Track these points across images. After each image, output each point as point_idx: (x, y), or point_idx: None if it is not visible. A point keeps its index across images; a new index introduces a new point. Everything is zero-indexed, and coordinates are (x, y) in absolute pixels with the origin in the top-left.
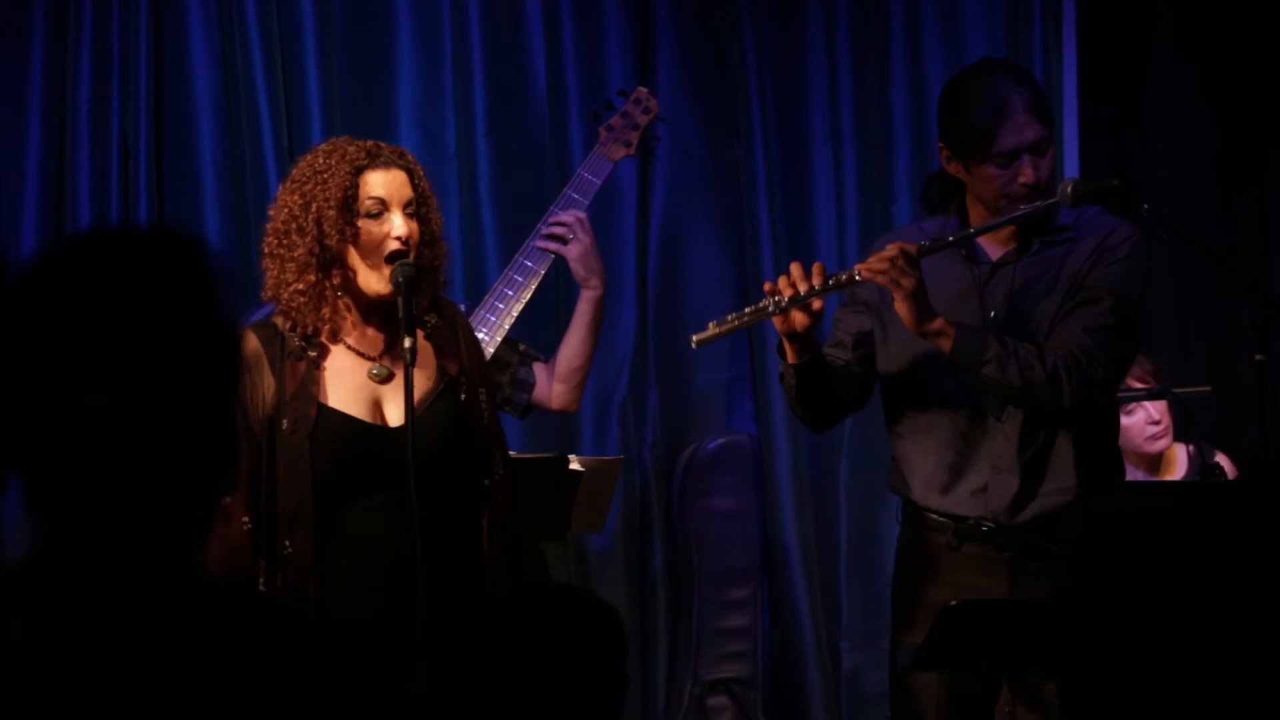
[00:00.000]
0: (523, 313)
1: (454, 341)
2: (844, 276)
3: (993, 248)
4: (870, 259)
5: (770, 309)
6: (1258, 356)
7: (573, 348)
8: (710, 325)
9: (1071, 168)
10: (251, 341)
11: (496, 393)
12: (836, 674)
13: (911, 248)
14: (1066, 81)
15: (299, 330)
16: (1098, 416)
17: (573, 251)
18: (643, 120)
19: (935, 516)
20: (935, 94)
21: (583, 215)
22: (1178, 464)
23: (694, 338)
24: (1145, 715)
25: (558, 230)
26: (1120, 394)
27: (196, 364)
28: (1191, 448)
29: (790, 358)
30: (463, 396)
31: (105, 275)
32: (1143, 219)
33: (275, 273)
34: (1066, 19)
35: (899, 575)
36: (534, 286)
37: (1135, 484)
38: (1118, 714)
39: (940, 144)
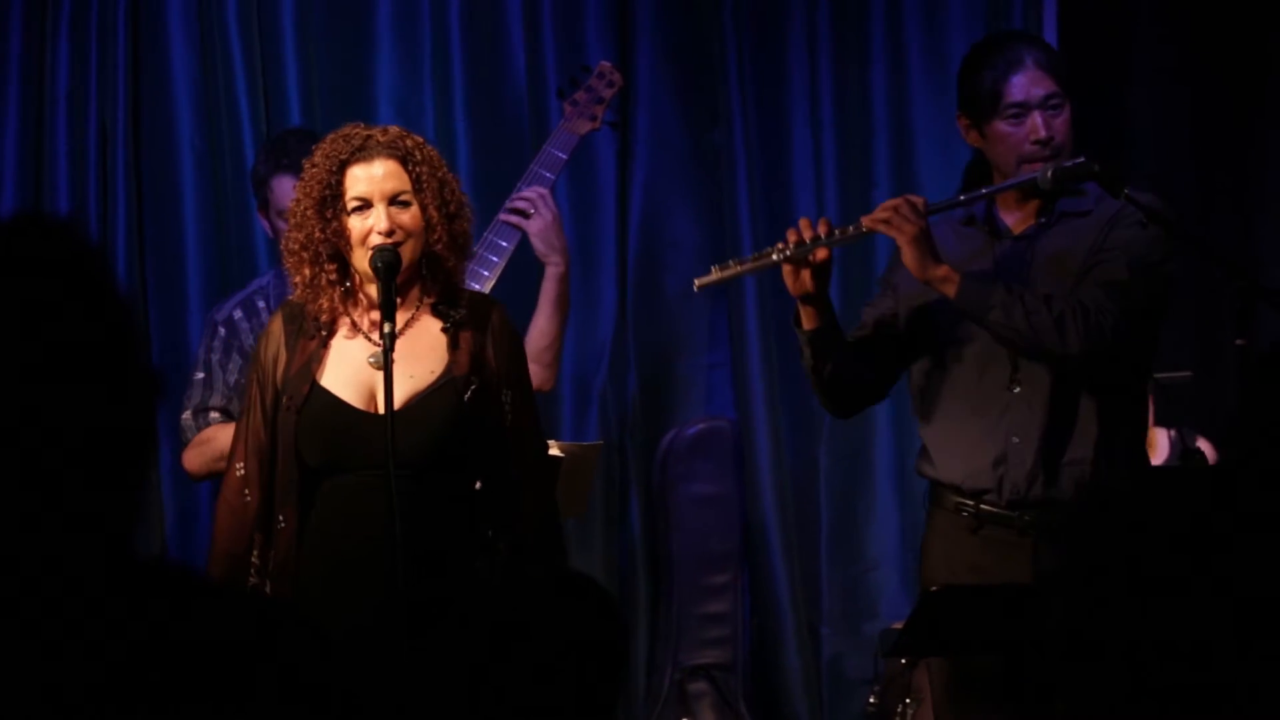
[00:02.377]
0: (494, 291)
1: (477, 339)
2: (850, 229)
3: (1015, 221)
4: (876, 210)
5: (775, 257)
6: (1239, 341)
7: (540, 326)
8: (714, 269)
9: None
10: (276, 320)
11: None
12: (817, 660)
13: (918, 199)
14: None
15: (312, 312)
16: (1122, 389)
17: (534, 227)
18: (607, 94)
19: (956, 498)
20: (916, 79)
21: (545, 191)
22: (1159, 448)
23: (696, 281)
24: (1132, 702)
25: (521, 205)
26: None
27: (89, 327)
28: (1173, 432)
29: (806, 323)
30: (467, 396)
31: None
32: (1125, 201)
33: (288, 264)
34: (1047, 3)
35: (923, 561)
36: (504, 264)
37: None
38: (1104, 700)
39: (958, 115)
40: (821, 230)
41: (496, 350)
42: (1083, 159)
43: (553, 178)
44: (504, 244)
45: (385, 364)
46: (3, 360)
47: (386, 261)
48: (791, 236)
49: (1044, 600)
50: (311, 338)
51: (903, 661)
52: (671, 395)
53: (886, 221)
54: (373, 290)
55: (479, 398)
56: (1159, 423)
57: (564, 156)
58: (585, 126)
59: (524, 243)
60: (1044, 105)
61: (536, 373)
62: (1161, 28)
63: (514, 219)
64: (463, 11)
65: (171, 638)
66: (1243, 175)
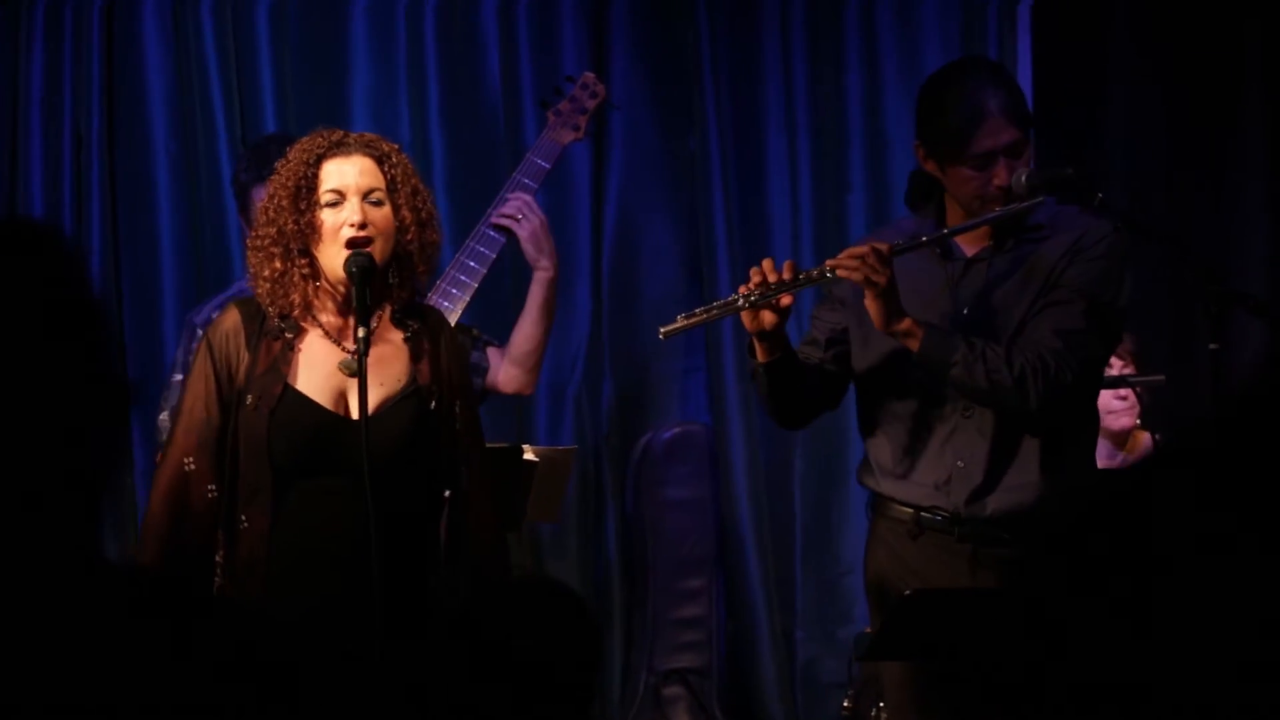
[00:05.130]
0: (475, 297)
1: (433, 350)
2: (815, 273)
3: (968, 245)
4: (842, 255)
5: (740, 303)
6: (1212, 345)
7: (525, 330)
8: (679, 318)
9: None
10: (234, 316)
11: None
12: (791, 663)
13: (884, 246)
14: (1021, 73)
15: (276, 312)
16: (1072, 419)
17: (524, 232)
18: (590, 104)
19: (898, 506)
20: (890, 86)
21: (528, 198)
22: (1141, 448)
23: (661, 330)
24: (1102, 706)
25: (509, 212)
26: None
27: (64, 343)
28: (1158, 436)
29: (761, 357)
30: (432, 405)
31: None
32: (1097, 208)
33: (252, 261)
34: (1021, 11)
35: (866, 567)
36: (485, 272)
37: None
38: (1073, 704)
39: (916, 142)
40: (786, 274)
41: (450, 361)
42: (1058, 167)
43: (536, 186)
44: (487, 252)
45: (360, 368)
46: None
47: (361, 266)
48: (755, 277)
49: (1015, 605)
50: (276, 338)
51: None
52: (646, 400)
53: (858, 271)
54: (340, 290)
55: (441, 406)
56: (1148, 426)
57: (547, 165)
58: (568, 136)
59: (503, 249)
60: (1008, 152)
61: (518, 377)
62: (1135, 36)
63: (505, 222)
64: (438, 20)
65: (146, 641)
66: (1217, 181)
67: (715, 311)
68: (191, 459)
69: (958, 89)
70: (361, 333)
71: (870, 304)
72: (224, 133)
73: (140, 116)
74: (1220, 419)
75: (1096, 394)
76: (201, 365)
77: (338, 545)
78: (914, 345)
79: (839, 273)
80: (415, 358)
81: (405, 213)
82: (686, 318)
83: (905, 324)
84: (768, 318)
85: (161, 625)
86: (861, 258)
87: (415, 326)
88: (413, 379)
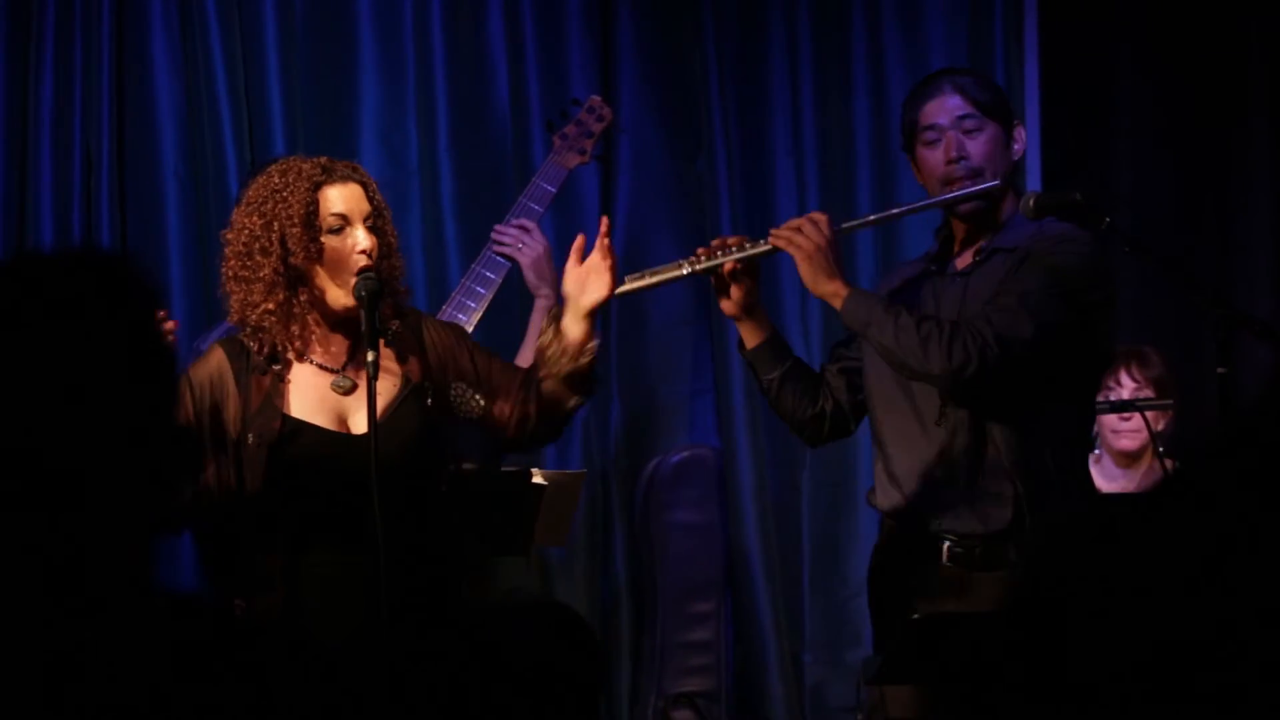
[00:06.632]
0: (481, 322)
1: (416, 346)
2: (758, 243)
3: (961, 259)
4: (781, 227)
5: (685, 269)
6: (1220, 369)
7: (527, 358)
8: (625, 279)
9: (1033, 174)
10: (217, 357)
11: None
12: (800, 687)
13: (820, 216)
14: (1028, 90)
15: (264, 348)
16: (1048, 423)
17: (526, 259)
18: (597, 128)
19: (890, 523)
20: (897, 108)
21: (530, 224)
22: (1143, 471)
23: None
24: None
25: (511, 238)
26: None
27: (141, 384)
28: (1170, 463)
29: (746, 342)
30: (429, 400)
31: (67, 293)
32: (1105, 231)
33: (241, 295)
34: (1028, 28)
35: (868, 588)
36: (491, 297)
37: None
38: None
39: (908, 156)
40: (732, 243)
41: (436, 344)
42: (1066, 192)
43: (541, 210)
44: (491, 276)
45: (369, 393)
46: (23, 396)
47: (371, 290)
48: (702, 253)
49: (1019, 628)
50: (264, 374)
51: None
52: (654, 423)
53: (787, 239)
54: (331, 316)
55: (437, 400)
56: (1168, 453)
57: (552, 190)
58: (574, 160)
59: (509, 273)
60: (958, 126)
61: None
62: (1142, 58)
63: (506, 250)
64: (446, 42)
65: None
66: (1223, 203)
67: (659, 275)
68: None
69: (921, 83)
70: (370, 356)
71: (801, 267)
72: (233, 157)
73: (150, 139)
74: (1224, 442)
75: (1066, 391)
76: (184, 411)
77: (360, 567)
78: (838, 305)
79: (771, 239)
80: (402, 358)
81: (391, 239)
82: (633, 279)
83: (832, 286)
84: (735, 294)
85: (214, 653)
86: (797, 227)
87: (395, 327)
88: (405, 379)
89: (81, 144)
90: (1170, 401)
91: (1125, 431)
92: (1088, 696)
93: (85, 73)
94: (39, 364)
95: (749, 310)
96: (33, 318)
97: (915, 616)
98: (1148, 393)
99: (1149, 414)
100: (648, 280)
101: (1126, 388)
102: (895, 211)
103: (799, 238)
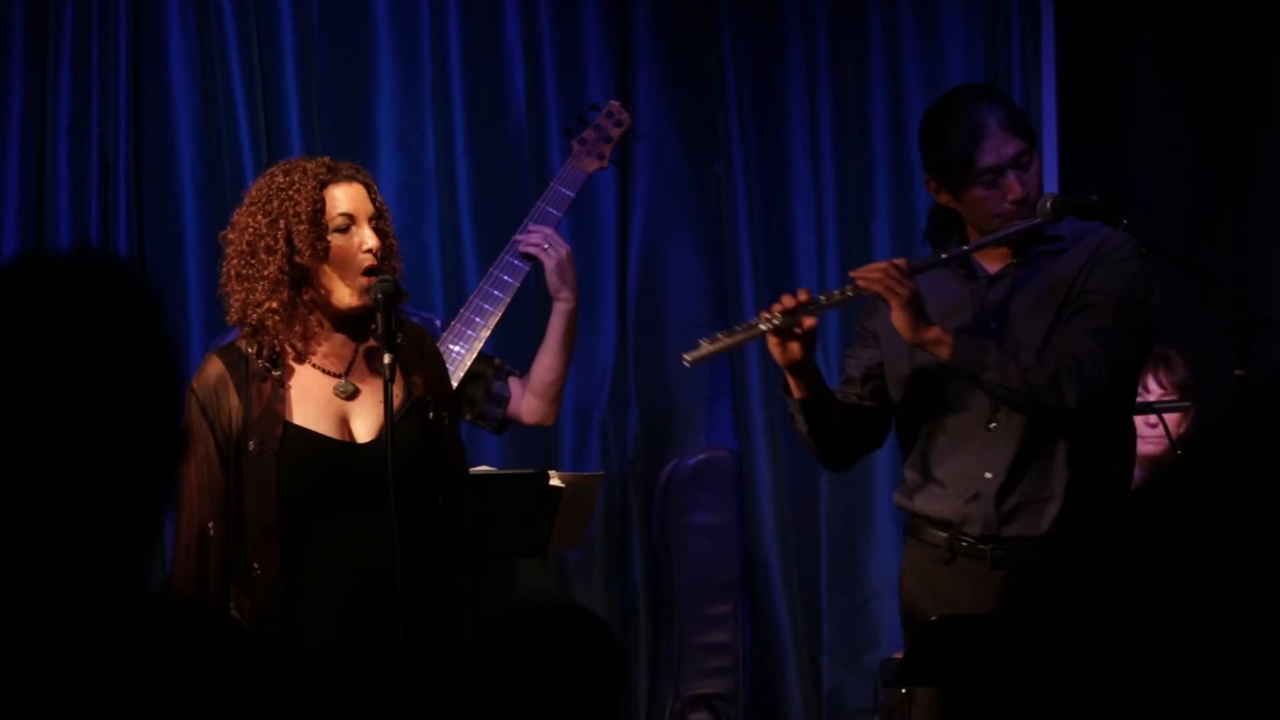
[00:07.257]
0: (498, 326)
1: (419, 360)
2: (838, 293)
3: (990, 263)
4: (864, 268)
5: (762, 326)
6: (1238, 371)
7: (546, 361)
8: (702, 343)
9: (1051, 180)
10: (216, 365)
11: (471, 408)
12: (817, 690)
13: (901, 261)
14: (1045, 98)
15: (264, 351)
16: (1104, 426)
17: (550, 261)
18: (615, 133)
19: (930, 530)
20: (915, 111)
21: (549, 230)
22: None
23: (686, 357)
24: None
25: (534, 242)
26: None
27: (128, 379)
28: None
29: (796, 392)
30: (430, 415)
31: (59, 295)
32: (1103, 235)
33: (243, 294)
34: (1045, 35)
35: (900, 592)
36: (508, 300)
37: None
38: None
39: (926, 176)
40: (803, 297)
41: (435, 371)
42: (1084, 192)
43: (560, 215)
44: (510, 280)
45: (386, 396)
46: (23, 403)
47: (387, 293)
48: (777, 307)
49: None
50: (264, 379)
51: (903, 691)
52: (672, 425)
53: (886, 286)
54: (334, 316)
55: (438, 415)
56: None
57: (571, 194)
58: (593, 165)
59: (526, 278)
60: (1015, 164)
61: (539, 408)
62: (1160, 61)
63: (532, 250)
64: (464, 45)
65: (191, 678)
66: (1242, 204)
67: (739, 334)
68: (212, 524)
69: (955, 112)
70: (388, 359)
71: (896, 316)
72: (250, 159)
73: (167, 143)
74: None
75: (1132, 398)
76: (197, 427)
77: (363, 576)
78: (944, 353)
79: (860, 283)
80: (407, 371)
81: (392, 240)
82: (710, 343)
83: (933, 333)
84: (795, 348)
85: (206, 658)
86: (884, 270)
87: (399, 339)
88: (409, 392)
89: (99, 147)
90: (1189, 404)
91: (1149, 436)
92: (1105, 699)
93: (102, 76)
94: (39, 364)
95: (806, 361)
96: (32, 320)
97: (934, 619)
98: (1173, 398)
99: (1169, 418)
100: (724, 342)
101: (1154, 393)
102: (962, 249)
103: (895, 284)
